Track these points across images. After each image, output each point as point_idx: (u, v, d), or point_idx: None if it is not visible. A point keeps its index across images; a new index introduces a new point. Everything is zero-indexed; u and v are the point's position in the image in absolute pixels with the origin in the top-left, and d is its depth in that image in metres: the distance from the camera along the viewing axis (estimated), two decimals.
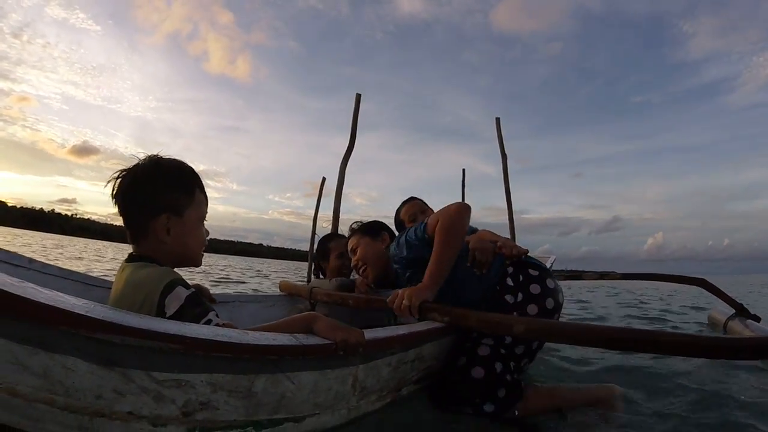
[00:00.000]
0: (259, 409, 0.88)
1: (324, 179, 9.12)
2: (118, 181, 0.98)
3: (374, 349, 1.07)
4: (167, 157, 1.03)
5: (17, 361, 0.64)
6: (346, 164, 4.61)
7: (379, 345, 1.08)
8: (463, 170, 7.14)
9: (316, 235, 8.45)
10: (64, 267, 1.53)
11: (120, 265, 1.03)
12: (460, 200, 8.66)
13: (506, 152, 5.23)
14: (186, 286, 0.92)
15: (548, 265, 3.95)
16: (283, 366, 0.88)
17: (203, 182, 1.08)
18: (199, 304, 0.90)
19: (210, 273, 10.61)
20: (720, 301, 3.39)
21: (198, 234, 1.05)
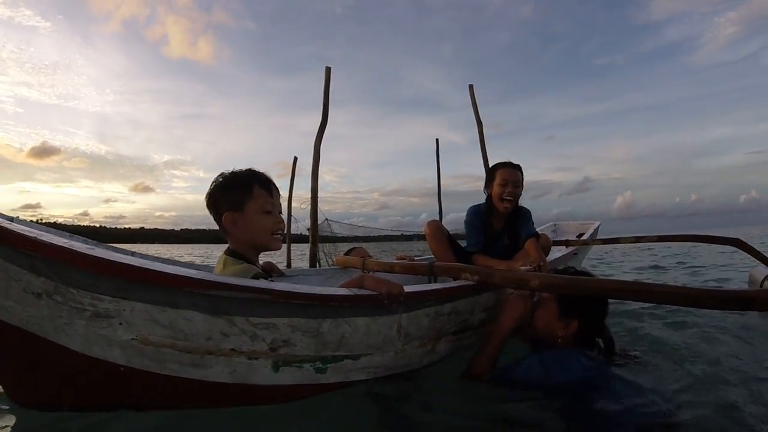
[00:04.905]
0: (325, 347, 1.13)
1: (296, 159, 8.41)
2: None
3: (413, 300, 1.28)
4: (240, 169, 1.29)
5: (151, 318, 0.89)
6: (321, 141, 4.58)
7: (417, 296, 1.29)
8: (437, 140, 7.11)
9: (292, 217, 8.39)
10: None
11: (219, 256, 1.31)
12: (436, 170, 8.56)
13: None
14: (265, 278, 1.17)
15: (591, 232, 3.72)
16: (343, 312, 1.11)
17: (266, 178, 1.29)
18: None
19: None
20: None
21: (261, 222, 1.25)
